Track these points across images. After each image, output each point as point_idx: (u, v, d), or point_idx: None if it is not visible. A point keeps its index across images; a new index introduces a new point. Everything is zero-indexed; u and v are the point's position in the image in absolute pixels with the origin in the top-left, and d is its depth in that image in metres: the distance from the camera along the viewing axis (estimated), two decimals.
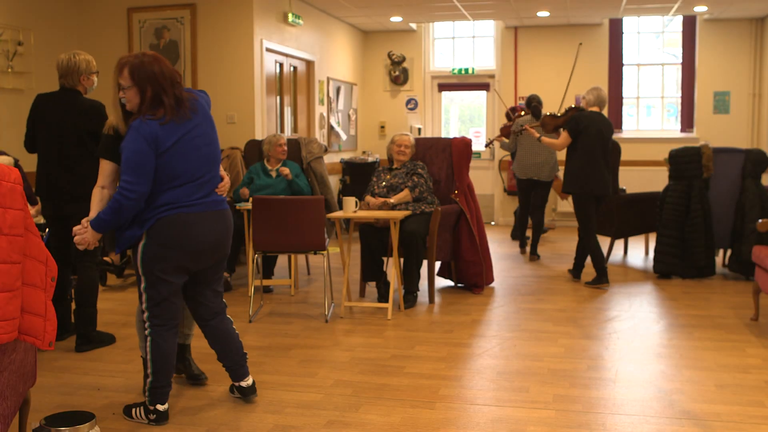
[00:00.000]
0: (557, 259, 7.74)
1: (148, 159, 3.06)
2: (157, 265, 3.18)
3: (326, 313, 5.28)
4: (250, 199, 5.53)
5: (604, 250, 7.22)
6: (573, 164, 6.22)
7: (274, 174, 6.23)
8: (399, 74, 10.96)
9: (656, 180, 9.74)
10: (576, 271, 6.57)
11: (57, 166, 4.39)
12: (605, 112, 7.02)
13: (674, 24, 10.55)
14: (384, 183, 5.81)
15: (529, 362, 4.19)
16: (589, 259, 6.49)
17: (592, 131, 6.15)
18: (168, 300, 3.27)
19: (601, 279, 6.21)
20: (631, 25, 10.58)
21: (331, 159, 9.59)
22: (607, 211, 7.36)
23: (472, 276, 6.07)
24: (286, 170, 6.13)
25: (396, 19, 9.97)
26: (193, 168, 3.16)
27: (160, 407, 3.31)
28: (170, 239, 3.16)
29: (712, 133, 10.04)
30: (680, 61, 10.48)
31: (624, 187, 7.94)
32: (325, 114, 9.41)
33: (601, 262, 6.23)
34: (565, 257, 7.80)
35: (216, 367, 3.87)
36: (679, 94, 10.52)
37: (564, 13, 9.55)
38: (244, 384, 3.53)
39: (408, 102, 11.07)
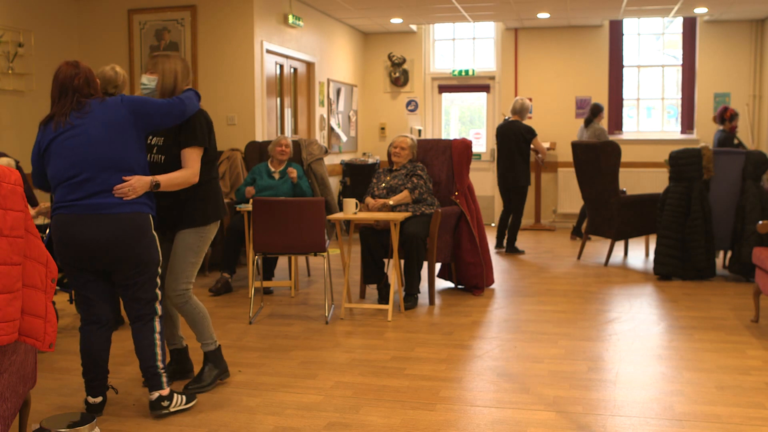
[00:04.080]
0: (557, 260, 7.74)
1: (37, 163, 3.39)
2: (59, 259, 3.34)
3: (326, 314, 5.28)
4: (251, 200, 5.53)
5: (604, 251, 7.56)
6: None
7: (277, 176, 6.23)
8: (399, 76, 10.97)
9: (656, 181, 9.75)
10: (510, 247, 8.17)
11: None
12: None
13: (674, 26, 10.56)
14: (384, 184, 5.81)
15: (530, 364, 4.19)
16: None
17: (501, 139, 8.06)
18: (83, 295, 3.41)
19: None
20: (631, 26, 10.58)
21: (332, 160, 9.59)
22: (607, 213, 7.37)
23: (472, 277, 6.07)
24: (294, 172, 6.13)
25: (396, 20, 9.98)
26: (65, 168, 3.25)
27: (90, 399, 3.42)
28: (55, 237, 3.31)
29: (713, 135, 10.02)
30: (680, 62, 10.48)
31: (624, 189, 7.94)
32: (325, 115, 9.41)
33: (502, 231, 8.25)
34: (565, 258, 7.80)
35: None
36: (680, 95, 10.52)
37: (564, 14, 9.56)
38: (150, 397, 3.42)
39: (408, 103, 11.07)
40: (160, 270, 3.47)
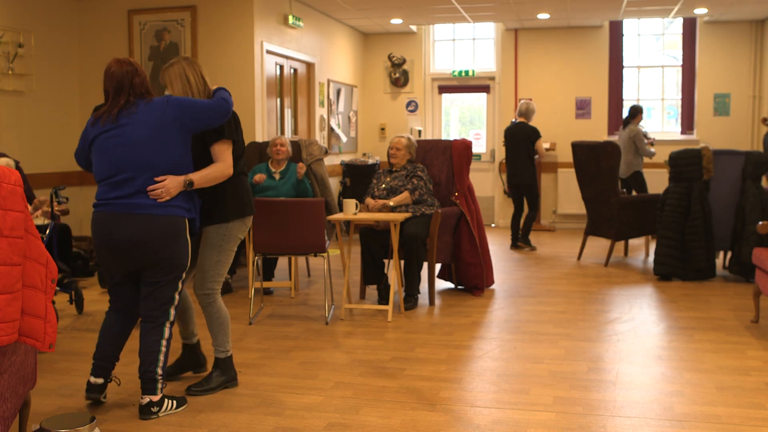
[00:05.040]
0: (557, 260, 7.74)
1: (82, 147, 3.50)
2: (96, 255, 3.52)
3: (326, 315, 5.28)
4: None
5: (605, 252, 7.62)
6: None
7: (277, 176, 6.24)
8: (399, 76, 10.97)
9: (657, 182, 9.74)
10: (524, 238, 8.53)
11: None
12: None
13: (674, 26, 10.56)
14: (384, 185, 5.81)
15: (530, 364, 4.19)
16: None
17: (509, 140, 8.50)
18: (116, 285, 3.55)
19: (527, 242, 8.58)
20: (631, 27, 10.58)
21: (332, 161, 9.59)
22: (607, 213, 7.38)
23: (472, 278, 6.07)
24: (303, 168, 6.15)
25: (396, 21, 9.98)
26: (106, 167, 3.35)
27: (91, 379, 3.53)
28: (93, 233, 3.43)
29: (713, 135, 10.04)
30: (680, 63, 10.48)
31: (624, 189, 7.95)
32: (325, 116, 9.41)
33: (515, 230, 8.59)
34: (565, 258, 7.80)
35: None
36: (680, 96, 10.52)
37: (564, 15, 9.56)
38: (140, 401, 3.43)
39: (408, 104, 11.07)
40: (184, 274, 3.51)
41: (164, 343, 3.45)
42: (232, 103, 3.59)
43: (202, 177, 3.48)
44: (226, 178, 3.61)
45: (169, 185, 3.33)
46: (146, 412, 3.41)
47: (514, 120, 8.65)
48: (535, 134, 8.38)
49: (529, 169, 8.41)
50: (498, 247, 8.68)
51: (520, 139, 8.40)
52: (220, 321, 3.78)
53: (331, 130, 9.62)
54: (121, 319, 3.56)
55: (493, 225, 10.95)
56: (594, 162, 7.40)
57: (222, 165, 3.58)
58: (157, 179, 3.32)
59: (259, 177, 6.11)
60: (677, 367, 4.13)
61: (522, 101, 8.61)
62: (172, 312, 3.47)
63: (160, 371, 3.43)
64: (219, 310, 3.77)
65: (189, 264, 3.53)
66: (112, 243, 3.34)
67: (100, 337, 3.56)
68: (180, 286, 3.49)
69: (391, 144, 5.94)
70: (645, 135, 8.90)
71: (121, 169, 3.31)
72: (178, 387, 3.84)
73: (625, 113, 10.61)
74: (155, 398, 3.42)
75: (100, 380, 3.52)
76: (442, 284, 6.45)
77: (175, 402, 3.50)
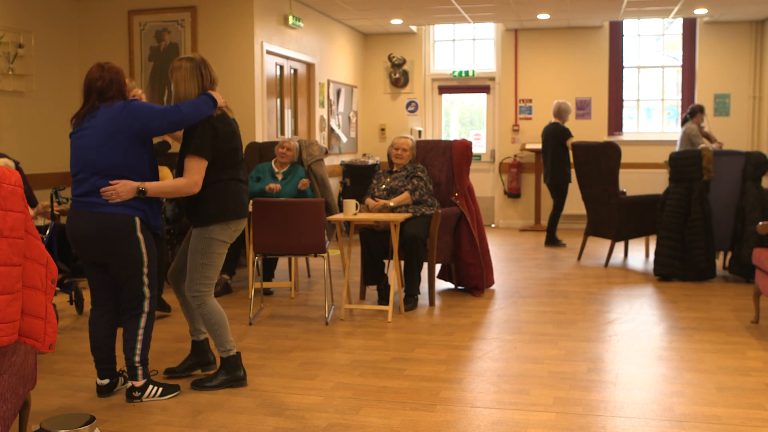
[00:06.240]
0: (557, 261, 7.74)
1: None
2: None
3: (326, 315, 5.28)
4: (251, 201, 5.53)
5: (605, 252, 7.65)
6: None
7: (280, 176, 6.23)
8: (399, 77, 10.97)
9: (657, 182, 9.75)
10: (550, 240, 8.78)
11: None
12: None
13: (674, 27, 10.56)
14: (384, 186, 5.80)
15: (530, 365, 4.19)
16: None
17: (543, 140, 8.75)
18: (91, 284, 3.71)
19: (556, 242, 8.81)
20: (631, 27, 10.59)
21: (332, 161, 9.59)
22: (607, 214, 7.38)
23: (472, 278, 6.06)
24: (306, 183, 6.13)
25: (396, 21, 9.98)
26: (72, 165, 3.57)
27: (97, 381, 3.72)
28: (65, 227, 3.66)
29: (713, 136, 10.03)
30: (680, 63, 10.48)
31: (624, 190, 7.95)
32: (325, 116, 9.41)
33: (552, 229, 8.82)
34: (565, 259, 7.81)
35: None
36: (680, 96, 10.52)
37: (564, 15, 9.56)
38: (127, 386, 3.65)
39: (408, 104, 11.07)
40: (146, 269, 3.60)
41: (141, 332, 3.61)
42: (197, 110, 3.60)
43: (157, 188, 3.57)
44: (189, 195, 3.66)
45: (120, 189, 3.46)
46: (129, 396, 3.62)
47: (551, 121, 8.84)
48: (564, 135, 8.55)
49: (558, 169, 8.59)
50: (498, 247, 8.69)
51: (551, 140, 8.62)
52: (214, 321, 3.78)
53: (331, 130, 9.62)
54: (100, 317, 3.70)
55: (493, 225, 10.95)
56: (594, 162, 7.41)
57: (183, 182, 3.61)
58: (111, 182, 3.45)
59: (269, 188, 6.09)
60: (677, 367, 4.13)
61: (555, 102, 8.81)
62: (146, 305, 3.61)
63: (137, 359, 3.59)
64: (211, 311, 3.78)
65: (153, 261, 3.62)
66: (73, 237, 3.56)
67: (92, 342, 3.70)
68: (146, 280, 3.59)
69: (396, 145, 5.92)
70: (707, 136, 8.95)
71: (79, 168, 3.51)
72: (184, 382, 3.84)
73: (625, 113, 10.67)
74: (137, 384, 3.60)
75: (106, 381, 3.71)
76: (442, 285, 6.45)
77: (161, 389, 3.64)
